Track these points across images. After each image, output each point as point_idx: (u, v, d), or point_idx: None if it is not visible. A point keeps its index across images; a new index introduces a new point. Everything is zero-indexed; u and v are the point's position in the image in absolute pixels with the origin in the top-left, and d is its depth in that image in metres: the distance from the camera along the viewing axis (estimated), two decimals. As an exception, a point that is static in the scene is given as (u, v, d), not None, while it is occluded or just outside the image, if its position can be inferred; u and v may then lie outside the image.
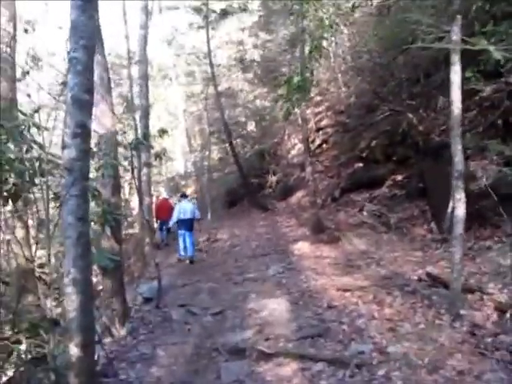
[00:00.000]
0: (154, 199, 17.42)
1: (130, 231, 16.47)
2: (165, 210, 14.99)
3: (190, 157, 27.01)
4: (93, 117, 6.92)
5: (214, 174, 23.80)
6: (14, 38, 8.98)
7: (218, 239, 14.63)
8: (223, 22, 16.82)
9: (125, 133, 11.97)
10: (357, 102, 16.02)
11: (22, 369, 4.52)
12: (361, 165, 14.52)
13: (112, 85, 17.69)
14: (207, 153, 22.43)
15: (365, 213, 12.51)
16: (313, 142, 19.18)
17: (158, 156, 11.92)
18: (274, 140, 21.38)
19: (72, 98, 4.32)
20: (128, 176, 14.72)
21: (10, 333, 4.63)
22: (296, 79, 6.08)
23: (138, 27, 15.07)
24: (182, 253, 11.88)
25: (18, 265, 9.58)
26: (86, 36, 4.48)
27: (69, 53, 4.43)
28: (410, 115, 10.42)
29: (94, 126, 6.87)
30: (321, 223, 12.23)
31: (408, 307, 5.77)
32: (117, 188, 6.78)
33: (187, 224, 11.73)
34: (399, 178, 12.31)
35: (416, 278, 7.12)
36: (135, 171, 13.06)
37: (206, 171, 22.04)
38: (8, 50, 8.53)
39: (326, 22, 5.96)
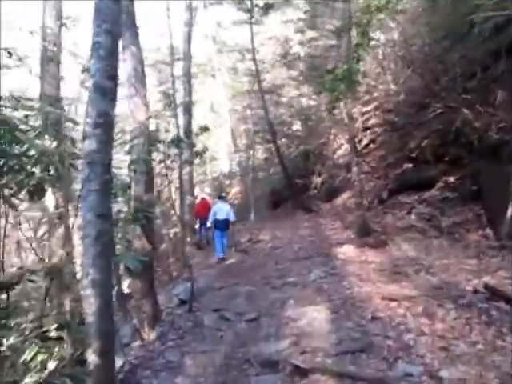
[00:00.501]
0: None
1: (173, 231, 16.26)
2: (204, 208, 14.92)
3: (234, 156, 26.71)
4: (127, 110, 6.68)
5: (258, 173, 23.42)
6: (58, 36, 8.86)
7: (259, 240, 14.20)
8: (267, 17, 16.36)
9: (168, 131, 11.71)
10: (406, 99, 15.26)
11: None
12: (410, 165, 13.76)
13: (155, 82, 17.61)
14: (252, 152, 22.05)
15: (413, 216, 11.80)
16: (360, 141, 18.50)
17: (198, 154, 11.68)
18: (320, 140, 20.78)
19: (94, 84, 4.00)
20: (175, 174, 14.54)
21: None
22: (341, 69, 5.59)
23: (182, 24, 14.84)
24: (217, 254, 12.12)
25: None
26: (110, 20, 4.14)
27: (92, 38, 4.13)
28: (466, 111, 9.65)
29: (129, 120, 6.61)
30: (367, 226, 11.61)
31: (463, 323, 5.11)
32: (150, 185, 6.45)
33: (223, 224, 11.97)
34: (451, 179, 11.52)
35: (471, 289, 6.46)
36: (176, 169, 12.87)
37: (251, 171, 21.65)
38: (54, 48, 8.41)
39: (373, 7, 5.43)
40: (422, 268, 8.13)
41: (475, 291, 6.09)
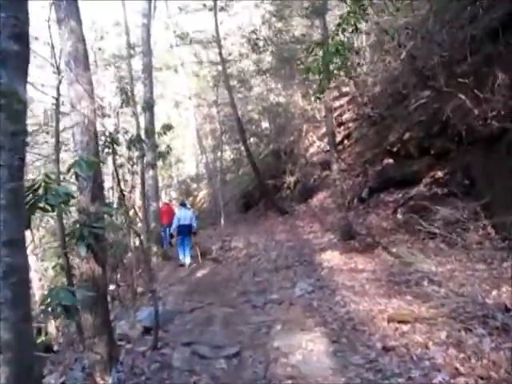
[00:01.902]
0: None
1: (137, 240, 14.81)
2: (168, 214, 14.71)
3: (201, 158, 25.29)
4: (68, 99, 5.32)
5: (227, 175, 22.11)
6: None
7: (232, 247, 12.90)
8: (233, 3, 15.07)
9: (127, 132, 10.28)
10: (383, 90, 14.28)
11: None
12: (391, 161, 12.74)
13: (112, 78, 16.11)
14: (219, 154, 20.71)
15: (400, 215, 10.73)
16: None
17: (162, 155, 10.32)
18: (290, 138, 19.63)
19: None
20: (138, 179, 13.20)
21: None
22: (334, 41, 4.42)
23: (139, 15, 13.45)
24: (181, 258, 12.22)
25: None
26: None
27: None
28: (461, 97, 8.57)
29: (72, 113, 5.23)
30: (351, 228, 10.48)
31: (508, 356, 3.94)
32: (98, 193, 5.07)
33: (185, 230, 12.09)
34: (439, 174, 10.48)
35: (491, 302, 5.33)
36: (137, 173, 11.50)
37: (219, 173, 20.31)
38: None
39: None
40: (424, 276, 7.01)
41: (507, 309, 4.91)
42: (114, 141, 9.45)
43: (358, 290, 6.92)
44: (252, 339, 5.59)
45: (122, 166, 12.93)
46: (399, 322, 5.10)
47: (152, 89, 13.01)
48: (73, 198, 4.41)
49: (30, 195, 3.51)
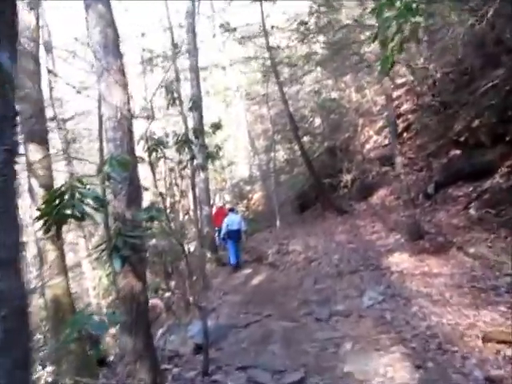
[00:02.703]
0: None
1: (191, 246, 14.29)
2: (221, 216, 14.12)
3: (253, 160, 24.62)
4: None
5: (280, 176, 21.30)
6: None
7: (290, 251, 12.10)
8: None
9: (176, 135, 9.68)
10: (444, 75, 13.10)
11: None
12: (458, 152, 11.58)
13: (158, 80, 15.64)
14: (272, 154, 19.95)
15: (473, 211, 9.61)
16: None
17: (210, 156, 9.65)
18: (345, 135, 18.62)
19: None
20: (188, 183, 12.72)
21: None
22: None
23: (184, 14, 12.93)
24: (232, 261, 12.16)
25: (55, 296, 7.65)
26: None
27: None
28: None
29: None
30: (419, 227, 9.46)
31: None
32: (135, 196, 4.42)
33: (235, 234, 12.15)
34: (518, 163, 9.35)
35: None
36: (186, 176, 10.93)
37: (273, 174, 19.55)
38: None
39: None
40: (515, 281, 6.00)
41: None
42: (161, 143, 8.91)
43: (436, 298, 5.98)
44: (318, 361, 4.78)
45: (172, 169, 12.43)
46: (499, 342, 4.16)
47: (199, 88, 12.41)
48: (107, 203, 3.78)
49: (57, 200, 2.91)
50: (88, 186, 3.18)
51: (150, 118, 10.09)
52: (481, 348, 4.20)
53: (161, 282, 11.71)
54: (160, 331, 9.01)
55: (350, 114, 18.36)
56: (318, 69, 18.76)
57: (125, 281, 4.20)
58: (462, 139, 11.20)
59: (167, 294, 11.60)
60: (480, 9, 6.64)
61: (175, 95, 9.72)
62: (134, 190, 4.38)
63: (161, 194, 5.53)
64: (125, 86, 4.43)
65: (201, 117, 11.88)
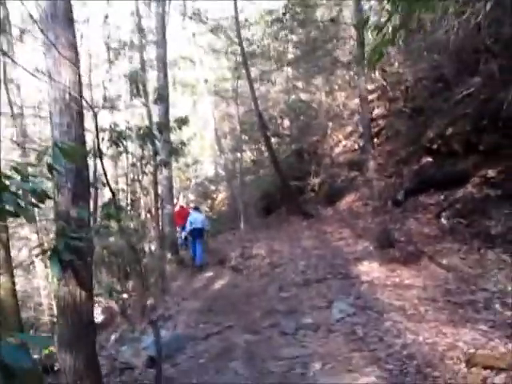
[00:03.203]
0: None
1: (152, 246, 13.57)
2: (182, 217, 14.16)
3: (220, 160, 23.92)
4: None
5: (246, 177, 20.74)
6: None
7: (254, 255, 11.57)
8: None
9: (140, 129, 9.01)
10: (418, 82, 12.87)
11: None
12: (429, 159, 11.33)
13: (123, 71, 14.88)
14: (239, 154, 19.37)
15: (444, 220, 9.32)
16: (361, 136, 16.06)
17: (174, 152, 9.07)
18: (314, 138, 18.25)
19: None
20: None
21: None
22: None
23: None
24: (197, 262, 12.07)
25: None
26: None
27: None
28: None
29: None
30: (389, 235, 9.10)
31: None
32: (82, 191, 3.79)
33: (198, 233, 12.10)
34: (491, 173, 9.08)
35: None
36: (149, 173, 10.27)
37: (239, 174, 18.96)
38: None
39: None
40: (492, 297, 5.63)
41: None
42: (123, 136, 8.28)
43: (410, 313, 5.56)
44: (284, 382, 4.26)
45: (134, 165, 11.67)
46: (485, 367, 3.73)
47: (167, 80, 11.72)
48: (48, 197, 3.14)
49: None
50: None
51: (113, 108, 9.45)
52: (464, 373, 3.76)
53: (116, 284, 10.96)
54: (113, 337, 8.35)
55: (319, 117, 18.02)
56: (290, 69, 18.40)
57: (65, 289, 3.58)
58: (435, 147, 10.95)
59: (125, 296, 10.87)
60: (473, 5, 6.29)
61: (140, 86, 9.09)
62: (81, 185, 3.75)
63: (113, 193, 4.87)
64: (76, 63, 3.79)
65: (166, 110, 11.20)
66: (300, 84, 19.81)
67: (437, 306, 5.66)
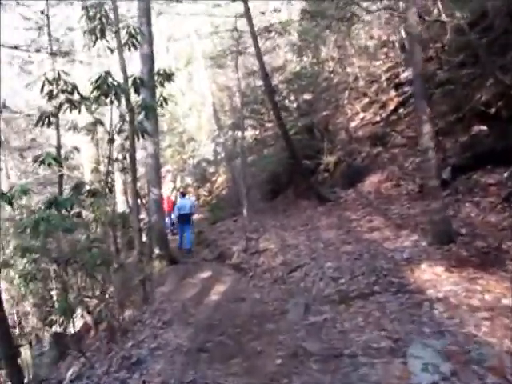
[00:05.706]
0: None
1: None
2: (170, 205, 14.84)
3: (219, 138, 21.15)
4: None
5: (248, 158, 18.02)
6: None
7: (261, 250, 9.02)
8: None
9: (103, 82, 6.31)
10: (451, 39, 10.19)
11: None
12: (483, 127, 8.72)
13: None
14: (241, 131, 16.62)
15: (517, 204, 6.78)
16: (383, 106, 13.42)
17: (148, 109, 6.50)
18: (323, 113, 15.54)
19: None
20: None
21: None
22: None
23: None
24: (186, 246, 11.98)
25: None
26: None
27: None
28: None
29: None
30: (450, 227, 6.53)
31: None
32: None
33: (185, 218, 12.11)
34: None
35: None
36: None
37: (241, 154, 16.20)
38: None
39: None
40: None
41: None
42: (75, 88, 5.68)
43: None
44: None
45: (111, 141, 8.90)
46: None
47: (150, 20, 9.01)
48: None
49: None
50: None
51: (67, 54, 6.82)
52: None
53: (89, 289, 8.33)
54: (69, 373, 5.84)
55: (330, 88, 15.35)
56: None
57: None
58: (493, 111, 8.36)
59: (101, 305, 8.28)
60: None
61: (104, 21, 6.45)
62: None
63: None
64: None
65: (150, 61, 8.41)
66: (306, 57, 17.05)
67: None
